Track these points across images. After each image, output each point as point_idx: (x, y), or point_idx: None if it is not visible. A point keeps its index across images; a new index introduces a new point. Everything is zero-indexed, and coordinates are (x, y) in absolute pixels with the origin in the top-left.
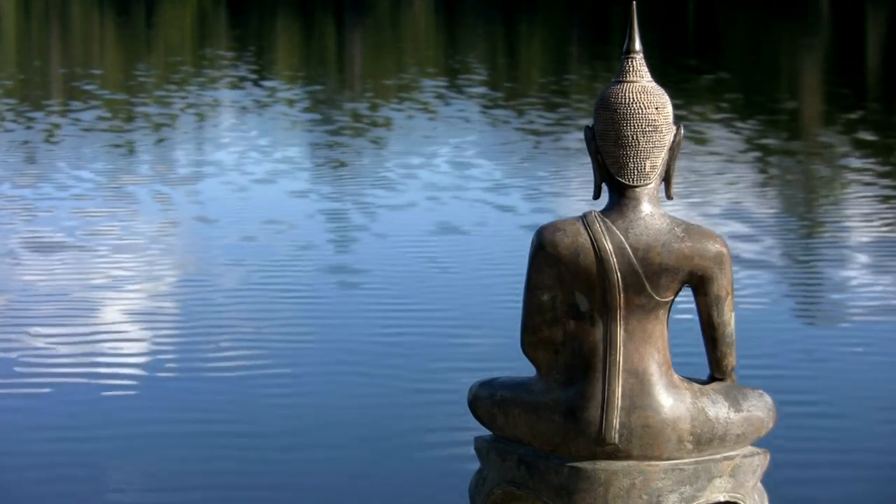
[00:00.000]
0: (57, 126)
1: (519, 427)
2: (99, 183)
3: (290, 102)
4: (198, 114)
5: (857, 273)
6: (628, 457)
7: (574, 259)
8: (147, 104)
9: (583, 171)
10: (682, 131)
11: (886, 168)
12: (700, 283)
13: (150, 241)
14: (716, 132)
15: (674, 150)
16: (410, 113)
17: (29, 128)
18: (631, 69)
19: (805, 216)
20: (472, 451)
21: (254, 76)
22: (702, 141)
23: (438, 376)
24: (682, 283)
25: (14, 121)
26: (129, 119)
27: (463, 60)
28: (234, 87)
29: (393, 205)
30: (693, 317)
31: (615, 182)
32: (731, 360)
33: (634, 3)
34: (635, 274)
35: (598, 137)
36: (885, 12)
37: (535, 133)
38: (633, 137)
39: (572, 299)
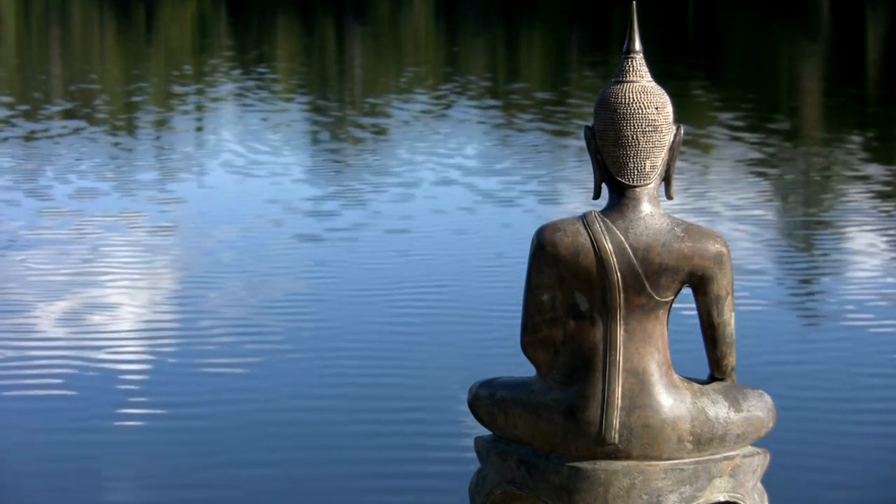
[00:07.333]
0: (56, 125)
1: (519, 427)
2: (98, 184)
3: (289, 102)
4: (197, 116)
5: (856, 274)
6: (628, 457)
7: (574, 259)
8: (147, 104)
9: (583, 172)
10: (682, 131)
11: (887, 169)
12: (700, 283)
13: (148, 241)
14: (714, 133)
15: (674, 150)
16: (410, 113)
17: (28, 129)
18: (631, 69)
19: (805, 217)
20: (472, 450)
21: (253, 76)
22: (700, 143)
23: (438, 376)
24: (682, 283)
25: (14, 122)
26: (129, 119)
27: (462, 62)
28: (233, 88)
29: (392, 206)
30: (693, 317)
31: (615, 182)
32: (731, 359)
33: (634, 3)
34: (635, 274)
35: (598, 137)
36: (886, 12)
37: (535, 133)
38: (633, 137)
39: (572, 299)
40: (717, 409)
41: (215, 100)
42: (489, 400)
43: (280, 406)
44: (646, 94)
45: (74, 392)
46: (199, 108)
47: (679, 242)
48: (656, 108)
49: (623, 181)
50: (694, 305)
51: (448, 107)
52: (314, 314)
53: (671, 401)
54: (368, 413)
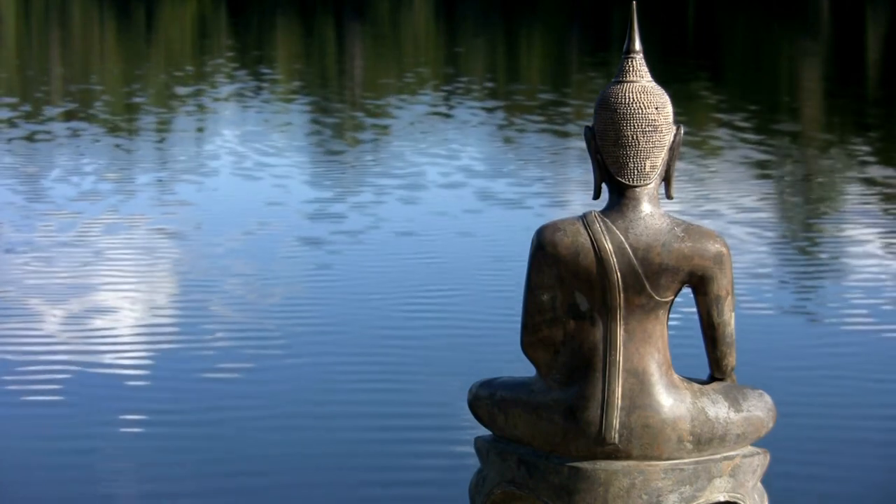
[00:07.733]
0: (55, 128)
1: (519, 427)
2: (99, 185)
3: (290, 103)
4: (199, 118)
5: (860, 276)
6: (628, 457)
7: (574, 259)
8: (147, 105)
9: (586, 172)
10: (682, 131)
11: (889, 170)
12: (700, 283)
13: (150, 243)
14: (716, 134)
15: (674, 150)
16: (412, 114)
17: (29, 130)
18: (631, 69)
19: (805, 218)
20: (472, 451)
21: (254, 77)
22: (700, 144)
23: (439, 380)
24: (682, 283)
25: (15, 122)
26: (130, 120)
27: (463, 62)
28: (234, 88)
29: (392, 206)
30: (693, 316)
31: (615, 182)
32: (731, 359)
33: (634, 3)
34: (635, 274)
35: (598, 137)
36: (886, 12)
37: (535, 134)
38: (633, 137)
39: (572, 299)
40: (717, 409)
41: (217, 100)
42: (489, 400)
43: (280, 411)
44: (646, 94)
45: (75, 395)
46: (201, 108)
47: (679, 242)
48: (656, 108)
49: (623, 181)
50: (694, 305)
51: (451, 108)
52: (317, 318)
53: (671, 401)
54: (369, 416)
